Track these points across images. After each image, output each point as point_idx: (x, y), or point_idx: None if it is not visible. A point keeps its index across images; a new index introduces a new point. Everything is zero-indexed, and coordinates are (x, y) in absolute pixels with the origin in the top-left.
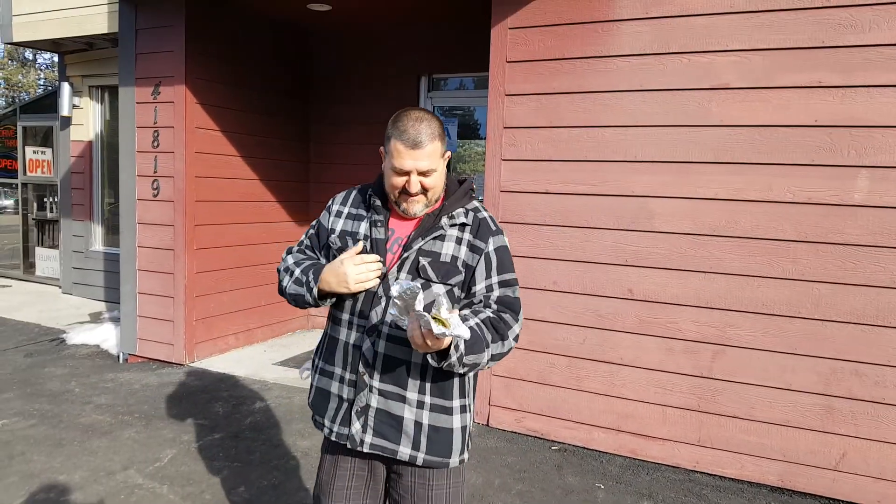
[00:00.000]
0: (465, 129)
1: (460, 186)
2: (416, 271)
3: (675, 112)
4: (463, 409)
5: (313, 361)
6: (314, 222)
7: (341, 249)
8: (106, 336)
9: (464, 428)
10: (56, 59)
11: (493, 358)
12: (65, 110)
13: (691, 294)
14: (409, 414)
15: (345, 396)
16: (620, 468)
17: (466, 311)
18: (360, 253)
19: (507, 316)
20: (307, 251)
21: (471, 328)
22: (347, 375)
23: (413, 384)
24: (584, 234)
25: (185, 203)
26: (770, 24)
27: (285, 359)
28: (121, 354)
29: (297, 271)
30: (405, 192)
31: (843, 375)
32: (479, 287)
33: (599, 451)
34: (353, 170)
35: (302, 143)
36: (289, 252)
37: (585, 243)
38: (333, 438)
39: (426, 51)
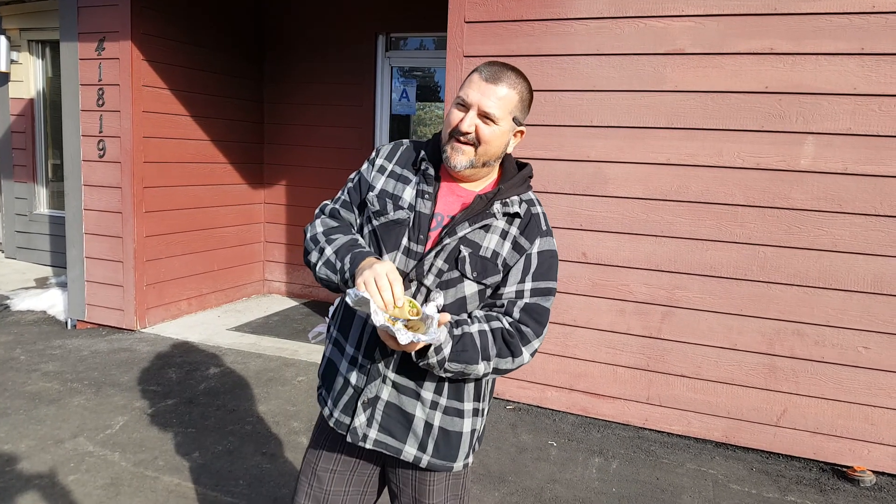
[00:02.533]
0: (426, 91)
1: (520, 171)
2: (455, 262)
3: (630, 77)
4: (476, 412)
5: (328, 327)
6: (353, 174)
7: (379, 213)
8: (53, 302)
9: (473, 432)
10: None
11: (497, 371)
12: (2, 66)
13: (642, 257)
14: (420, 413)
15: (353, 382)
16: (572, 426)
17: (479, 313)
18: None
19: (527, 330)
20: (342, 211)
21: (467, 334)
22: (360, 359)
23: (431, 381)
24: (541, 199)
25: (133, 164)
26: None
27: (240, 324)
28: (69, 320)
29: (329, 251)
30: (457, 132)
31: (785, 335)
32: (508, 290)
33: (552, 410)
34: (310, 131)
35: (256, 102)
36: (322, 211)
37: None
38: (332, 424)
39: (384, 9)
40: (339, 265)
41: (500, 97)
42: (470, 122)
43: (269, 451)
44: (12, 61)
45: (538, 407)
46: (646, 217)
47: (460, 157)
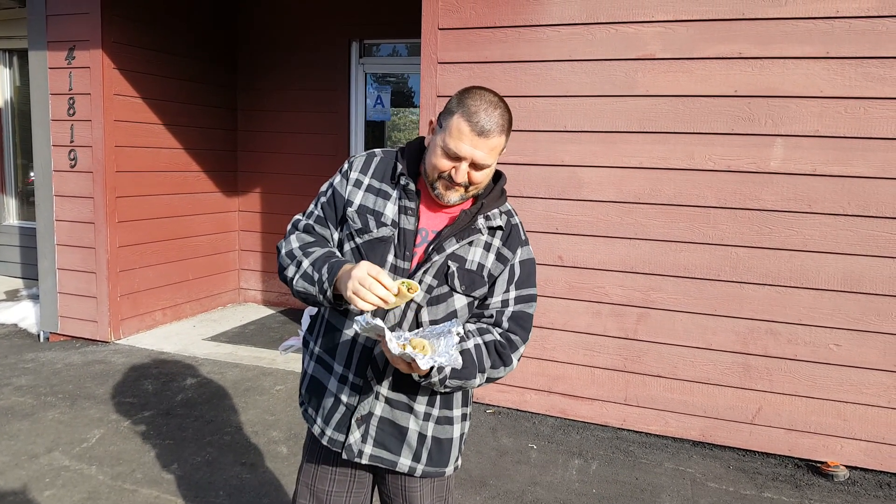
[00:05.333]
0: (400, 97)
1: (496, 183)
2: (445, 277)
3: (602, 82)
4: (464, 417)
5: (305, 342)
6: (325, 187)
7: (362, 231)
8: (24, 314)
9: (462, 436)
10: None
11: (488, 380)
12: None
13: (617, 260)
14: (414, 425)
15: (345, 400)
16: (552, 428)
17: (472, 326)
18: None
19: (515, 338)
20: (317, 227)
21: (466, 350)
22: (351, 378)
23: (423, 394)
24: (517, 204)
25: (105, 174)
26: None
27: (216, 334)
28: (41, 333)
29: (306, 263)
30: (448, 178)
31: (759, 334)
32: (495, 300)
33: (532, 413)
34: (284, 138)
35: (229, 110)
36: (295, 226)
37: (518, 212)
38: (325, 443)
39: (357, 16)
40: (316, 276)
41: (492, 147)
42: (463, 175)
43: (248, 462)
44: None
45: (518, 410)
46: (620, 220)
47: (453, 195)
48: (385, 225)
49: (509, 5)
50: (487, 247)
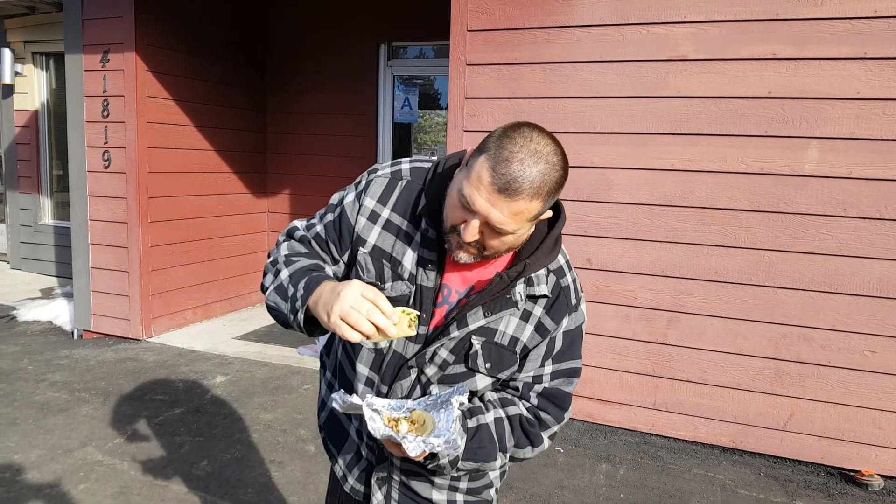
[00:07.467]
0: (426, 98)
1: (550, 230)
2: (465, 358)
3: (633, 83)
4: (502, 475)
5: (322, 361)
6: (335, 199)
7: (373, 284)
8: (59, 312)
9: (497, 490)
10: None
11: (512, 460)
12: (6, 78)
13: (647, 263)
14: (438, 496)
15: (364, 455)
16: (579, 432)
17: (493, 396)
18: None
19: (546, 416)
20: (314, 243)
21: (483, 426)
22: (366, 437)
23: None
24: None
25: (138, 175)
26: None
27: (245, 333)
28: (75, 331)
29: (285, 273)
30: (457, 231)
31: (791, 340)
32: (525, 375)
33: None
34: (312, 140)
35: (258, 112)
36: (290, 235)
37: None
38: (347, 490)
39: (386, 18)
40: (290, 291)
41: (515, 212)
42: (472, 234)
43: (276, 460)
44: (17, 73)
45: None
46: (650, 223)
47: (464, 255)
48: (402, 279)
49: (539, 6)
50: (526, 316)
